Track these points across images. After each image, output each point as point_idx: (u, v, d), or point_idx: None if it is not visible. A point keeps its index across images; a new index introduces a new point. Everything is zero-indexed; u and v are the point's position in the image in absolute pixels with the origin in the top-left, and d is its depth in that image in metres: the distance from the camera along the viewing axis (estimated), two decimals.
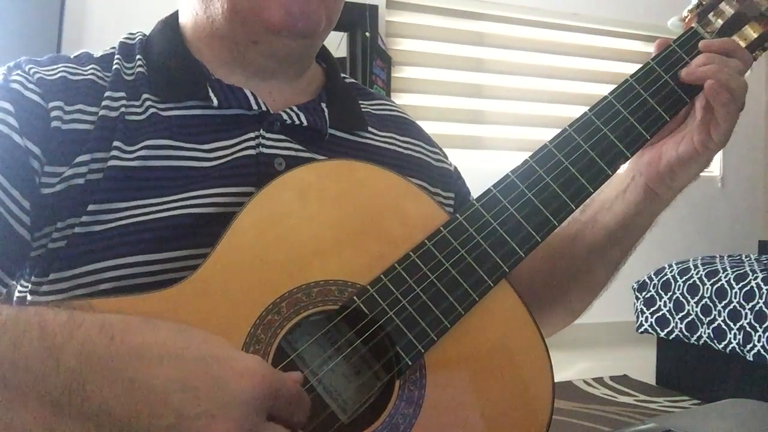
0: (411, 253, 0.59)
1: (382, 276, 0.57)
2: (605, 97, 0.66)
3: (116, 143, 0.61)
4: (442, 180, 0.77)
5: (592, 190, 0.64)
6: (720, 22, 0.68)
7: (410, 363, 0.56)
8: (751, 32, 0.68)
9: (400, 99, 3.16)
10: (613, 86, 0.67)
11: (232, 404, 0.44)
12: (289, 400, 0.47)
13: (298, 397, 0.48)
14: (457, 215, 0.61)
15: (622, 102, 0.66)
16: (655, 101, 0.66)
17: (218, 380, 0.44)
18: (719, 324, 2.38)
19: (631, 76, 0.67)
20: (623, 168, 0.73)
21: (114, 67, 0.66)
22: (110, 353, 0.44)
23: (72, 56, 0.68)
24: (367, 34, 2.86)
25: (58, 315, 0.46)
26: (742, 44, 0.68)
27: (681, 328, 2.53)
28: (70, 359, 0.44)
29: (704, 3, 0.69)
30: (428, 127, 0.86)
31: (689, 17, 0.69)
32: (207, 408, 0.43)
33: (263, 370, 0.46)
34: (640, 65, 0.68)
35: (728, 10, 0.68)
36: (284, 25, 0.64)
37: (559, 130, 0.66)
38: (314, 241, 0.58)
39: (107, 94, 0.64)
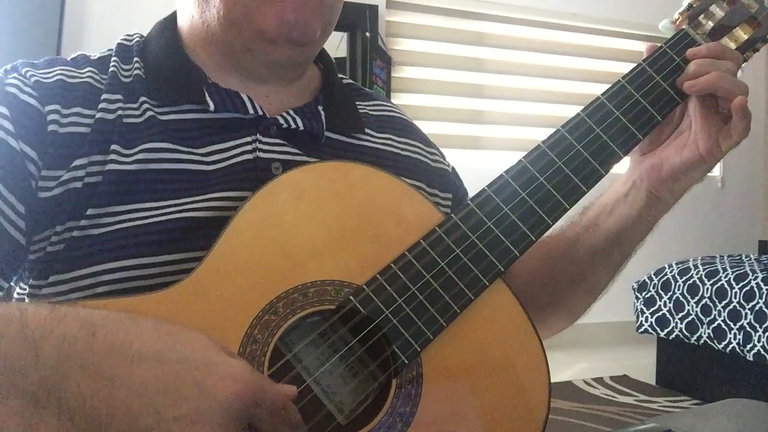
0: (406, 252, 0.59)
1: (378, 276, 0.58)
2: (597, 98, 0.67)
3: (114, 146, 0.62)
4: (440, 181, 0.77)
5: (586, 190, 0.64)
6: (710, 24, 0.68)
7: (406, 362, 0.56)
8: (742, 34, 0.68)
9: (400, 99, 3.16)
10: None
11: (212, 409, 0.43)
12: (272, 411, 0.47)
13: (284, 409, 0.48)
14: (452, 215, 0.61)
15: (614, 102, 0.66)
16: (647, 102, 0.66)
17: (200, 384, 0.44)
18: (719, 324, 2.38)
19: (623, 77, 0.67)
20: (623, 174, 0.73)
21: (111, 69, 0.66)
22: (91, 349, 0.44)
23: (69, 59, 0.68)
24: (367, 34, 2.86)
25: (39, 309, 0.46)
26: (733, 46, 0.68)
27: (681, 328, 2.53)
28: (49, 354, 0.44)
29: (695, 6, 0.69)
30: (428, 127, 0.87)
31: (680, 20, 0.70)
32: (186, 412, 0.43)
33: (247, 377, 0.45)
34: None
35: (718, 13, 0.68)
36: (279, 34, 0.64)
37: None
38: (310, 241, 0.58)
39: (104, 96, 0.64)
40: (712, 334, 2.41)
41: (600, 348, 3.22)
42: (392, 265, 0.58)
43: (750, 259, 2.64)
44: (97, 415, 0.43)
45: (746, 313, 2.28)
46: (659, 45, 0.68)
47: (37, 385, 0.43)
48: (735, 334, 2.31)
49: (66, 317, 0.46)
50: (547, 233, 0.64)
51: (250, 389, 0.45)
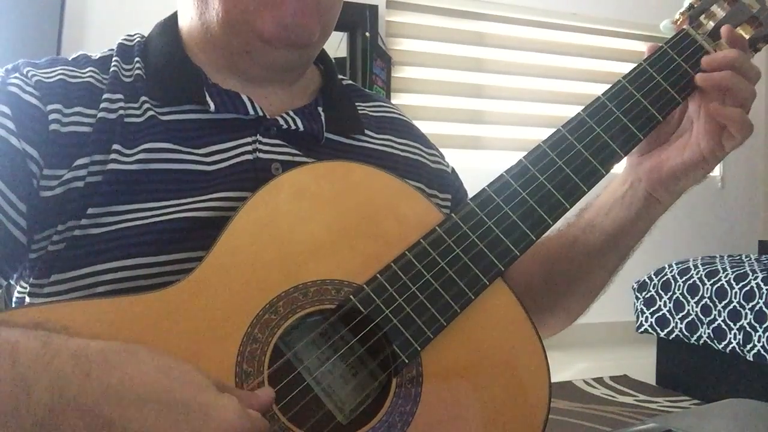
0: (407, 252, 0.59)
1: (378, 275, 0.58)
2: (598, 98, 0.66)
3: (115, 146, 0.62)
4: (439, 182, 0.78)
5: (586, 190, 0.64)
6: (711, 24, 0.68)
7: (407, 361, 0.56)
8: (743, 34, 0.68)
9: (400, 99, 3.16)
10: None
11: None
12: None
13: None
14: (452, 215, 0.61)
15: (615, 102, 0.66)
16: (648, 102, 0.66)
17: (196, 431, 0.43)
18: (719, 324, 2.38)
19: (624, 77, 0.67)
20: (620, 175, 0.73)
21: (112, 69, 0.66)
22: (85, 390, 0.43)
23: (70, 58, 0.68)
24: (367, 34, 2.86)
25: (31, 343, 0.45)
26: None
27: (681, 328, 2.53)
28: (42, 395, 0.43)
29: (696, 6, 0.69)
30: (428, 127, 0.87)
31: (681, 20, 0.70)
32: None
33: (243, 425, 0.45)
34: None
35: (719, 13, 0.68)
36: (277, 36, 0.64)
37: None
38: (310, 241, 0.58)
39: (105, 96, 0.64)
40: (712, 334, 2.41)
41: (600, 348, 3.21)
42: (392, 264, 0.58)
43: (750, 259, 2.64)
44: None
45: (746, 313, 2.28)
46: (660, 45, 0.68)
47: (30, 427, 0.42)
48: (735, 334, 2.31)
49: (59, 353, 0.44)
50: (544, 236, 0.64)
51: None
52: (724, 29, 0.66)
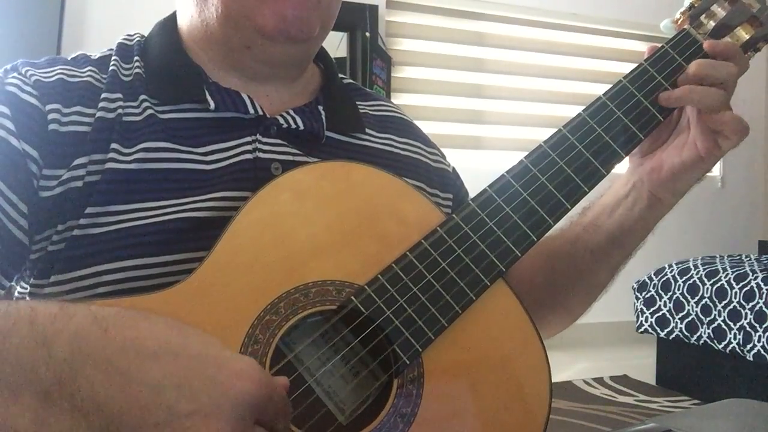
0: (408, 253, 0.59)
1: (379, 276, 0.58)
2: (599, 98, 0.66)
3: (114, 145, 0.62)
4: (440, 181, 0.77)
5: (587, 190, 0.64)
6: (712, 23, 0.68)
7: (408, 362, 0.56)
8: (743, 34, 0.68)
9: (400, 99, 3.16)
10: None
11: (226, 405, 0.43)
12: (277, 406, 0.47)
13: (285, 403, 0.48)
14: (454, 215, 0.61)
15: (616, 102, 0.66)
16: (649, 102, 0.66)
17: (213, 380, 0.44)
18: (719, 324, 2.38)
19: (625, 77, 0.67)
20: (623, 175, 0.73)
21: (111, 68, 0.66)
22: (103, 345, 0.44)
23: (69, 58, 0.68)
24: (367, 34, 2.86)
25: (49, 306, 0.46)
26: None
27: (681, 328, 2.53)
28: (61, 350, 0.43)
29: (696, 5, 0.69)
30: (428, 127, 0.87)
31: (681, 19, 0.70)
32: (200, 407, 0.43)
33: (259, 374, 0.45)
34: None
35: (720, 12, 0.68)
36: (277, 30, 0.64)
37: None
38: (311, 241, 0.58)
39: (104, 95, 0.64)
40: (712, 334, 2.41)
41: (600, 348, 3.22)
42: (394, 265, 0.58)
43: (750, 259, 2.64)
44: (109, 410, 0.42)
45: (746, 313, 2.28)
46: (661, 45, 0.68)
47: (49, 382, 0.43)
48: (735, 334, 2.32)
49: (77, 314, 0.45)
50: (547, 234, 0.64)
51: (263, 386, 0.45)
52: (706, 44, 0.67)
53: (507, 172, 0.64)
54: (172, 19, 0.72)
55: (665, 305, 2.60)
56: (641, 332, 2.72)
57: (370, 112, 0.77)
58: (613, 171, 0.66)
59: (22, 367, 0.43)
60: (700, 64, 0.66)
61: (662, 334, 2.62)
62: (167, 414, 0.42)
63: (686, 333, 2.51)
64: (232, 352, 0.47)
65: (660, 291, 2.63)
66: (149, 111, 0.64)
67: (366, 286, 0.57)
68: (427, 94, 3.28)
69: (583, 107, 0.66)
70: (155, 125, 0.64)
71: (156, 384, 0.43)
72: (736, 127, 0.65)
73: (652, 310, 2.65)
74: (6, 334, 0.44)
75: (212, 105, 0.65)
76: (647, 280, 2.69)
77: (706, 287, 2.45)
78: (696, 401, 2.49)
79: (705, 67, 0.65)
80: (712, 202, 3.72)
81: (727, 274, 2.41)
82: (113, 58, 0.68)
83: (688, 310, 2.50)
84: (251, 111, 0.66)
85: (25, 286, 0.63)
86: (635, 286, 2.73)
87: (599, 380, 2.71)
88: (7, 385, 0.43)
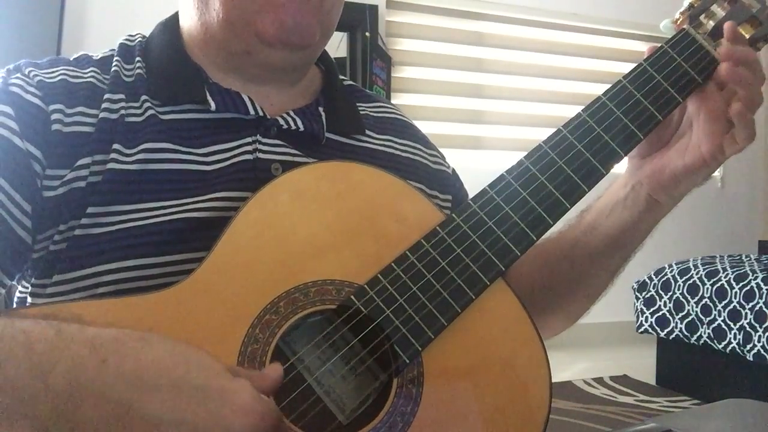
0: (408, 253, 0.59)
1: (379, 276, 0.58)
2: (598, 98, 0.66)
3: (116, 146, 0.62)
4: (440, 183, 0.78)
5: (586, 190, 0.64)
6: (711, 23, 0.68)
7: (408, 361, 0.56)
8: (743, 33, 0.68)
9: (400, 99, 3.16)
10: None
11: None
12: None
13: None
14: (453, 215, 0.61)
15: (615, 102, 0.66)
16: (648, 101, 0.66)
17: (216, 415, 0.43)
18: (719, 324, 2.38)
19: (624, 77, 0.67)
20: (621, 177, 0.73)
21: (113, 69, 0.66)
22: (102, 378, 0.43)
23: (72, 58, 0.68)
24: (367, 34, 2.86)
25: (45, 332, 0.45)
26: None
27: (681, 328, 2.53)
28: (58, 382, 0.42)
29: (696, 5, 0.69)
30: (428, 127, 0.87)
31: (681, 19, 0.70)
32: None
33: (262, 408, 0.44)
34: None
35: (719, 12, 0.68)
36: (277, 37, 0.64)
37: None
38: (311, 241, 0.58)
39: (106, 96, 0.64)
40: (712, 334, 2.41)
41: (600, 348, 3.21)
42: (393, 265, 0.58)
43: (750, 259, 2.64)
44: None
45: (746, 313, 2.28)
46: (660, 45, 0.68)
47: (47, 414, 0.42)
48: (735, 334, 2.31)
49: (74, 341, 0.44)
50: (545, 236, 0.64)
51: (267, 421, 0.44)
52: (727, 26, 0.66)
53: (507, 171, 0.64)
54: (173, 19, 0.72)
55: (665, 305, 2.60)
56: (641, 332, 2.72)
57: (371, 114, 0.78)
58: (613, 171, 0.66)
59: (19, 398, 0.42)
60: (750, 76, 0.63)
61: (662, 334, 2.62)
62: None
63: (686, 333, 2.51)
64: (232, 379, 0.46)
65: (660, 291, 2.63)
66: (150, 111, 0.65)
67: (366, 286, 0.57)
68: (427, 94, 3.28)
69: (583, 107, 0.66)
70: (156, 126, 0.64)
71: (157, 419, 0.42)
72: (750, 133, 0.64)
73: (652, 310, 2.65)
74: (1, 362, 0.43)
75: (213, 106, 0.65)
76: (647, 280, 2.68)
77: (706, 287, 2.45)
78: (696, 401, 2.49)
79: (753, 80, 0.64)
80: (712, 202, 3.71)
81: (727, 274, 2.41)
82: (115, 58, 0.68)
83: (688, 310, 2.50)
84: (252, 112, 0.66)
85: (27, 285, 0.63)
86: (635, 286, 2.73)
87: (599, 380, 2.71)
88: (6, 415, 0.42)
